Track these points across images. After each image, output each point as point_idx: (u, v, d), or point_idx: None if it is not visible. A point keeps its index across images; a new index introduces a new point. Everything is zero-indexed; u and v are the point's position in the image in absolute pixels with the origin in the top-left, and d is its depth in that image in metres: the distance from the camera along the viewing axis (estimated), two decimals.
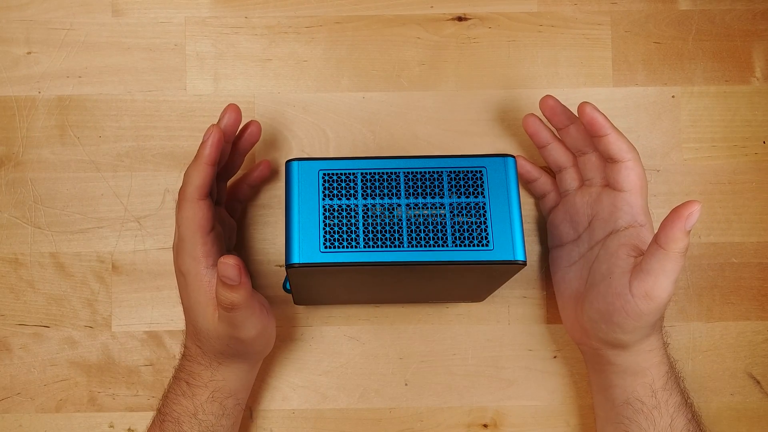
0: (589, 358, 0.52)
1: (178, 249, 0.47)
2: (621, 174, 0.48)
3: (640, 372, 0.48)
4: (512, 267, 0.42)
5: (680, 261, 0.43)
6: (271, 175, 0.56)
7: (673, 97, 0.58)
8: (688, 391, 0.50)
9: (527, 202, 0.57)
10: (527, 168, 0.55)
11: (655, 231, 0.44)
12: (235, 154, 0.52)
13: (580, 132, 0.51)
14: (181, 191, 0.47)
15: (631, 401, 0.48)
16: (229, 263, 0.42)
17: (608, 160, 0.49)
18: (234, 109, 0.49)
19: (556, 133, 0.54)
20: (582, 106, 0.48)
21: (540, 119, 0.54)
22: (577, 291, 0.51)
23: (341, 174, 0.43)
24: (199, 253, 0.46)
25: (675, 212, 0.42)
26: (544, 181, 0.55)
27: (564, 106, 0.52)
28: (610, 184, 0.49)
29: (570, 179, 0.53)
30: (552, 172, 0.55)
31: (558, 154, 0.53)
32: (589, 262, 0.50)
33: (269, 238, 0.57)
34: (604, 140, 0.48)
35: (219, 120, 0.49)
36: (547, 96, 0.52)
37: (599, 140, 0.48)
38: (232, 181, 0.55)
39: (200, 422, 0.48)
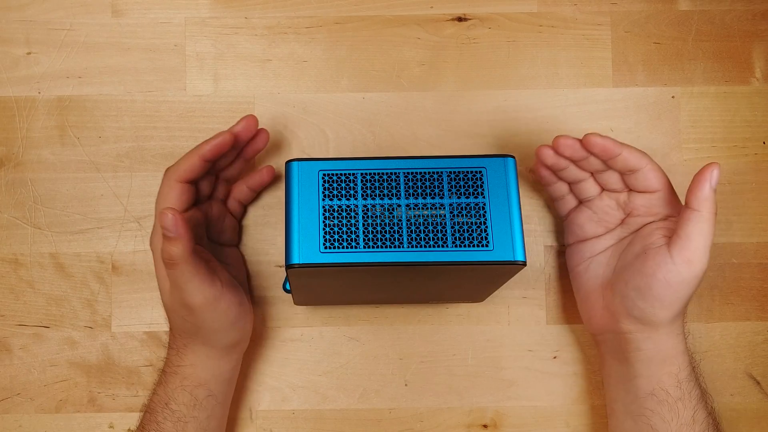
0: (610, 349, 0.52)
1: (153, 228, 0.50)
2: (648, 178, 0.48)
3: (668, 360, 0.48)
4: (512, 267, 0.42)
5: (713, 223, 0.46)
6: (272, 182, 0.56)
7: (673, 97, 0.58)
8: (706, 386, 0.50)
9: (527, 203, 0.57)
10: (544, 172, 0.53)
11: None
12: (238, 159, 0.53)
13: (596, 159, 0.50)
14: (166, 171, 0.49)
15: (656, 392, 0.48)
16: (167, 214, 0.43)
17: (628, 171, 0.49)
18: (251, 120, 0.50)
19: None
20: (588, 139, 0.48)
21: (546, 165, 0.52)
22: (603, 277, 0.51)
23: (341, 174, 0.43)
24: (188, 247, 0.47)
25: (699, 175, 0.45)
26: (560, 185, 0.53)
27: (577, 140, 0.49)
28: (638, 190, 0.49)
29: (590, 187, 0.52)
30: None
31: (576, 172, 0.52)
32: (619, 249, 0.51)
33: (269, 238, 0.57)
34: (620, 159, 0.48)
35: (234, 125, 0.50)
36: (561, 137, 0.49)
37: (615, 161, 0.48)
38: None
39: (173, 412, 0.49)
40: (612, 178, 0.50)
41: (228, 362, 0.51)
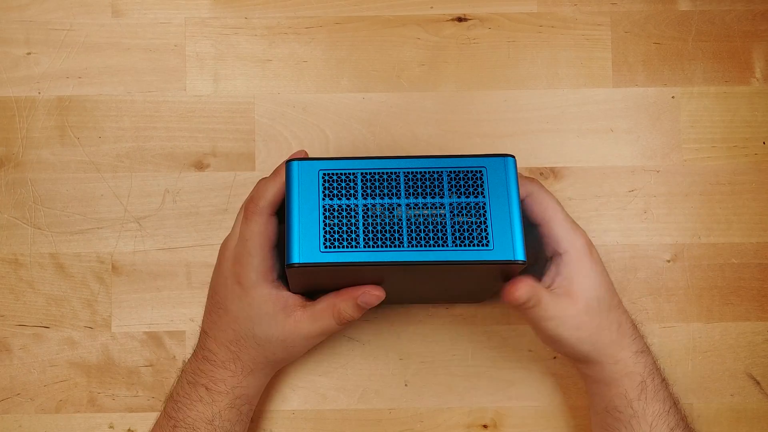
0: (575, 368, 0.54)
1: (239, 260, 0.47)
2: (530, 211, 0.49)
3: (613, 383, 0.49)
4: (512, 267, 0.42)
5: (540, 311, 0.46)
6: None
7: (672, 97, 0.58)
8: (676, 398, 0.50)
9: None
10: None
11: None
12: None
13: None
14: (251, 203, 0.46)
15: (609, 410, 0.49)
16: (375, 294, 0.45)
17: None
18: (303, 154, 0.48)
19: None
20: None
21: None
22: None
23: (341, 174, 0.42)
24: (266, 267, 0.47)
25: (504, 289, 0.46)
26: None
27: None
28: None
29: None
30: None
31: None
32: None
33: None
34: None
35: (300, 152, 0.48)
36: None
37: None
38: None
39: (215, 428, 0.48)
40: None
41: (270, 376, 0.52)
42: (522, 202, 0.47)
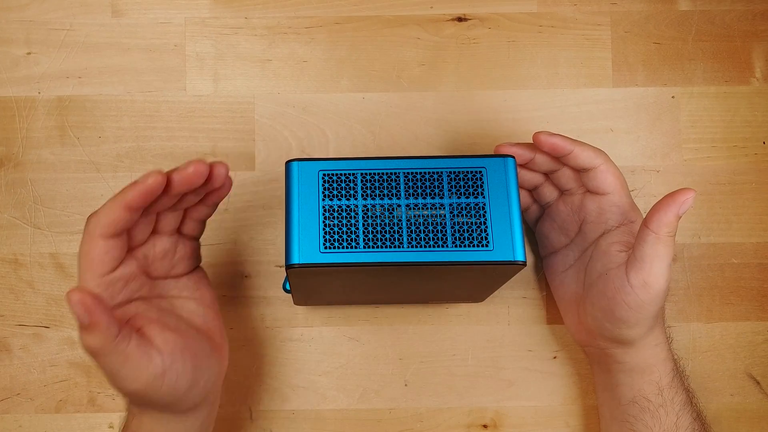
0: (594, 359, 0.52)
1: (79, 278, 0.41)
2: (598, 179, 0.48)
3: (647, 369, 0.48)
4: (512, 267, 0.42)
5: (671, 245, 0.44)
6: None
7: (672, 97, 0.58)
8: (693, 390, 0.50)
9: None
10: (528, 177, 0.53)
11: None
12: (202, 203, 0.44)
13: (545, 157, 0.49)
14: (87, 221, 0.40)
15: (637, 399, 0.48)
16: (74, 299, 0.35)
17: (581, 170, 0.48)
18: (201, 167, 0.40)
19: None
20: (536, 137, 0.47)
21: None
22: (576, 294, 0.51)
23: (341, 174, 0.43)
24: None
25: (670, 197, 0.43)
26: (524, 194, 0.53)
27: (520, 144, 0.49)
28: (590, 190, 0.49)
29: (548, 192, 0.52)
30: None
31: (529, 176, 0.52)
32: (584, 264, 0.50)
33: (269, 238, 0.57)
34: (571, 157, 0.47)
35: (178, 169, 0.40)
36: (501, 145, 0.49)
37: (567, 159, 0.48)
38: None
39: None
40: (563, 178, 0.50)
41: (195, 421, 0.45)
42: (595, 170, 0.47)
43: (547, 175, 0.51)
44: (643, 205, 0.57)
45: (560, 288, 0.52)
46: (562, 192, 0.51)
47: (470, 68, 0.58)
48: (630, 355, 0.48)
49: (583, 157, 0.47)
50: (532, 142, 0.48)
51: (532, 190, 0.53)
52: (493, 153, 0.47)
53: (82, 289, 0.36)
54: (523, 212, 0.55)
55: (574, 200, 0.50)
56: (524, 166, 0.50)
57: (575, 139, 0.48)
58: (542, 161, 0.49)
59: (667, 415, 0.47)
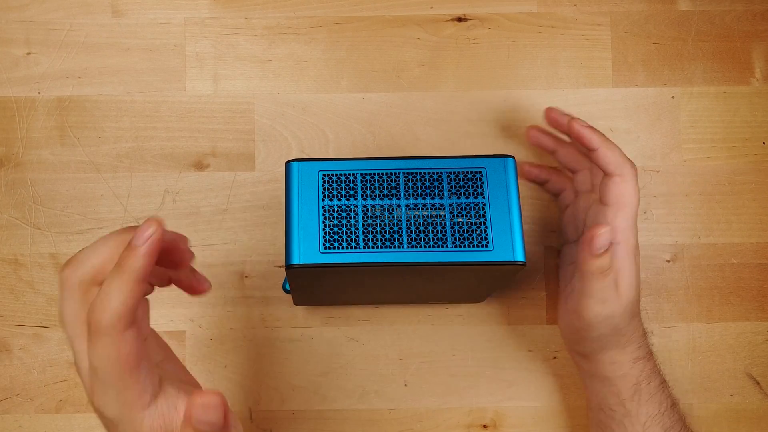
0: (573, 360, 0.54)
1: (95, 392, 0.35)
2: (606, 188, 0.48)
3: (606, 381, 0.49)
4: (512, 268, 0.42)
5: (596, 281, 0.45)
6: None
7: (672, 97, 0.58)
8: (675, 399, 0.50)
9: (527, 203, 0.57)
10: (535, 173, 0.55)
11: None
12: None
13: (574, 153, 0.52)
14: (93, 316, 0.33)
15: (602, 407, 0.50)
16: (211, 404, 0.32)
17: (604, 172, 0.48)
18: (152, 225, 0.34)
19: (562, 137, 0.53)
20: (570, 124, 0.48)
21: (541, 128, 0.54)
22: (565, 290, 0.51)
23: (341, 175, 0.43)
24: (132, 396, 0.34)
25: (584, 236, 0.45)
26: (555, 181, 0.54)
27: (550, 135, 0.52)
28: (600, 195, 0.49)
29: (582, 181, 0.52)
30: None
31: (569, 158, 0.52)
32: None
33: (269, 238, 0.57)
34: (594, 154, 0.48)
35: (144, 230, 0.33)
36: (549, 108, 0.52)
37: (591, 155, 0.48)
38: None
39: None
40: (598, 172, 0.50)
41: None
42: (612, 178, 0.47)
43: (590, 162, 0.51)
44: (643, 205, 0.57)
45: (563, 279, 0.53)
46: (592, 188, 0.51)
47: (470, 68, 0.58)
48: (588, 364, 0.50)
49: (605, 159, 0.47)
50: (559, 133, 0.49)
51: (574, 175, 0.53)
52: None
53: (213, 392, 0.33)
54: (556, 197, 0.55)
55: (590, 198, 0.51)
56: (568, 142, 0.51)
57: (610, 140, 0.48)
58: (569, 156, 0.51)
59: (632, 425, 0.48)
